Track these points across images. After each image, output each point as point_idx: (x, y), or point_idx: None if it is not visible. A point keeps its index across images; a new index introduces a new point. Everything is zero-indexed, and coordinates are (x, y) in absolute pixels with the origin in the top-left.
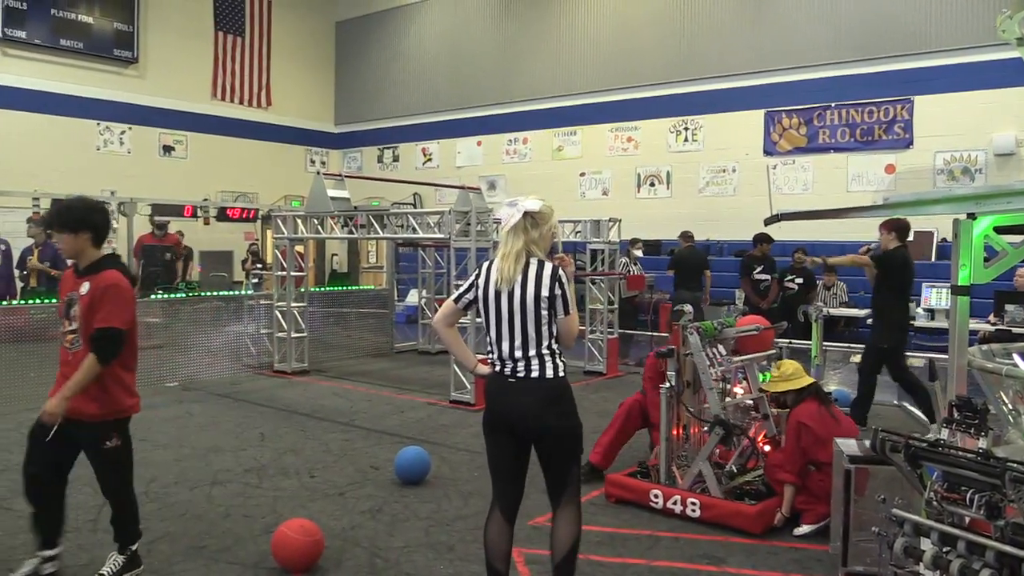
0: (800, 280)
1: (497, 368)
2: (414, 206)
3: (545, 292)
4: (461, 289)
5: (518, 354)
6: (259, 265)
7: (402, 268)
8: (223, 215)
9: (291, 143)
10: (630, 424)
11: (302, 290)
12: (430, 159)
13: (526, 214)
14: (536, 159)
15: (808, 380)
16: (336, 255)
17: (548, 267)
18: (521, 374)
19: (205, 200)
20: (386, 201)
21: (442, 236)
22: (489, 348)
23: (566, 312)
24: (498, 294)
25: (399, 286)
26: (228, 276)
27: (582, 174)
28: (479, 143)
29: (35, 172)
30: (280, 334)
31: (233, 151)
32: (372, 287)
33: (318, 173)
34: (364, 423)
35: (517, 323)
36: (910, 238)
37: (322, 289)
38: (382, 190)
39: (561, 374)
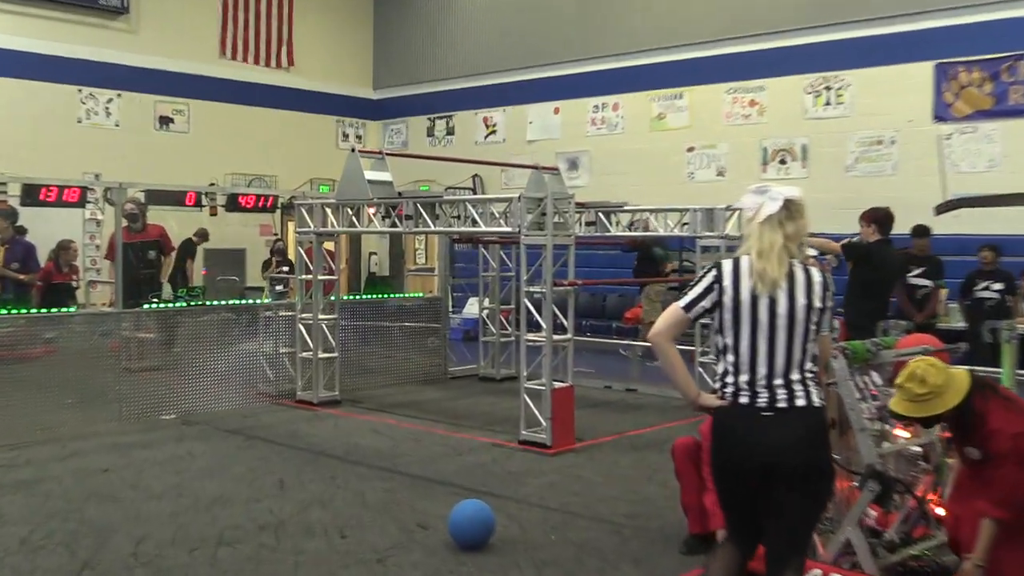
0: (999, 285)
1: (743, 400)
2: (473, 191)
3: (817, 303)
4: (693, 293)
5: (778, 380)
6: (285, 268)
7: (458, 271)
8: (234, 204)
9: (318, 113)
10: None
11: (332, 298)
12: (494, 131)
13: (785, 203)
14: (630, 130)
15: (962, 376)
16: (375, 254)
17: (816, 273)
18: (782, 404)
19: (212, 185)
20: (438, 185)
21: (509, 230)
22: (725, 371)
23: (828, 328)
24: (755, 301)
25: (455, 293)
26: (239, 280)
27: (690, 149)
28: (556, 110)
29: (1, 150)
30: (305, 354)
31: (246, 124)
32: (420, 294)
33: (352, 151)
34: (410, 468)
35: (781, 339)
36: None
37: (357, 297)
38: (433, 171)
39: (822, 402)
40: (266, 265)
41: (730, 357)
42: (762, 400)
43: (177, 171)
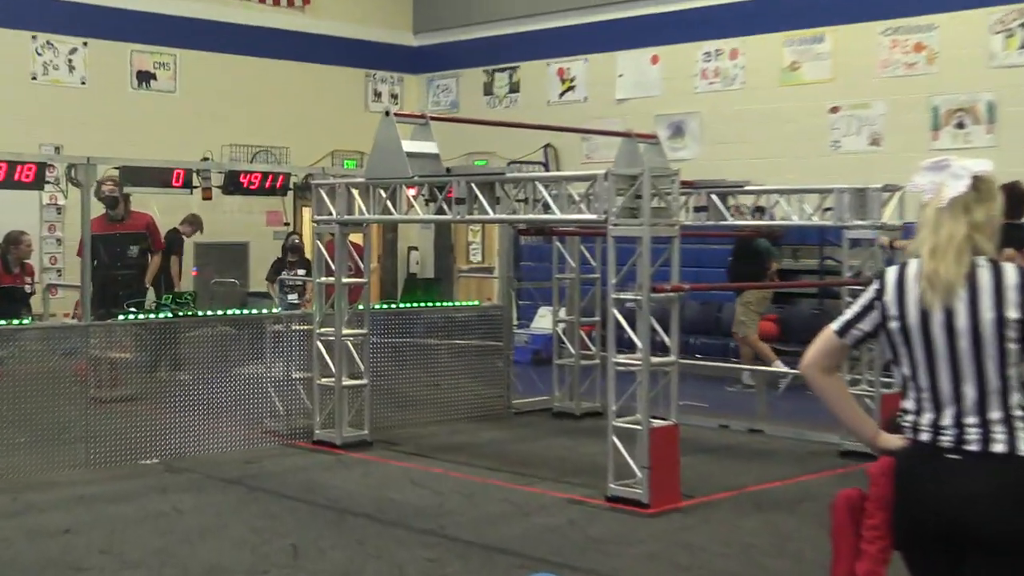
0: None
1: (924, 437)
2: (545, 167)
3: (1014, 313)
4: (850, 313)
5: (971, 418)
6: (300, 271)
7: (525, 272)
8: (234, 184)
9: (342, 65)
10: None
11: (359, 308)
12: (571, 87)
13: (974, 181)
14: (753, 85)
15: None
16: (416, 250)
17: (1011, 271)
18: (973, 446)
19: (205, 160)
20: (499, 159)
21: (593, 217)
22: (908, 408)
23: None
24: (925, 317)
25: (520, 301)
26: (240, 283)
27: (834, 110)
28: (654, 59)
29: None
30: (325, 381)
31: (249, 80)
32: (475, 302)
33: (387, 114)
34: (461, 532)
35: (967, 366)
36: None
37: (393, 306)
38: (493, 141)
39: None
40: (276, 265)
41: (911, 392)
42: (947, 439)
43: (160, 142)
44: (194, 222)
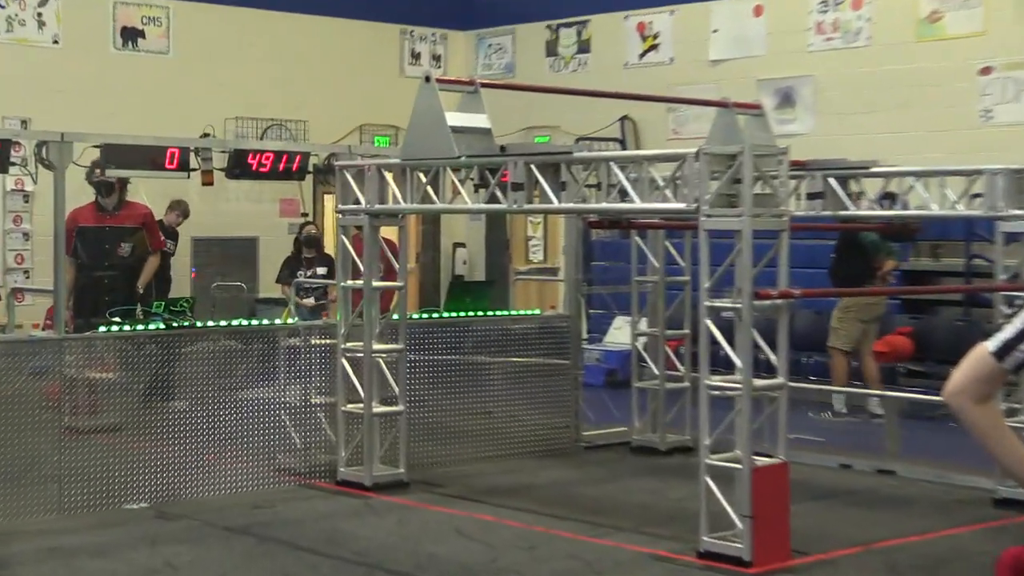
0: None
1: None
2: (622, 145)
3: None
4: (1012, 329)
5: None
6: (323, 269)
7: (598, 274)
8: (240, 166)
9: (372, 20)
10: None
11: (394, 318)
12: (654, 46)
13: None
14: (881, 42)
15: None
16: (463, 247)
17: None
18: None
19: (205, 136)
20: (564, 135)
21: (682, 206)
22: None
23: None
24: None
25: (592, 310)
26: (247, 288)
27: (985, 71)
28: (757, 10)
29: None
30: (351, 407)
31: (259, 39)
32: (536, 311)
33: (427, 80)
34: None
35: None
36: None
37: (435, 315)
38: (558, 112)
39: None
40: (289, 263)
41: None
42: None
43: (150, 115)
44: (178, 207)
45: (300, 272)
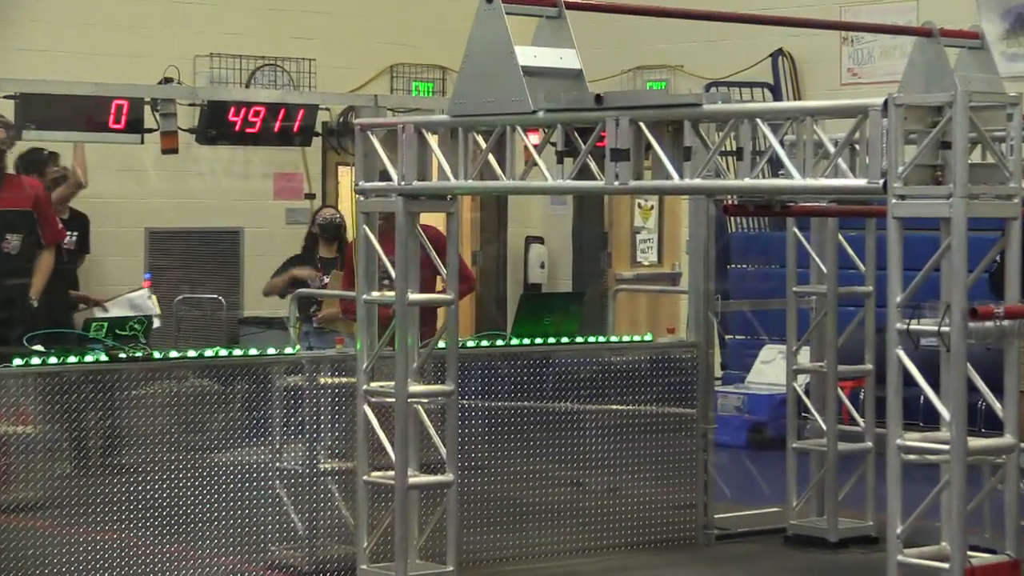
0: None
1: None
2: (774, 93)
3: None
4: None
5: None
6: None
7: (737, 281)
8: (217, 125)
9: None
10: None
11: (441, 346)
12: None
13: None
14: None
15: None
16: (541, 243)
17: None
18: None
19: (167, 82)
20: (688, 78)
21: (861, 183)
22: None
23: None
24: None
25: (729, 335)
26: (228, 300)
27: None
28: None
29: None
30: (377, 476)
31: None
32: (647, 337)
33: None
34: None
35: None
36: None
37: (499, 343)
38: (677, 46)
39: None
40: (290, 268)
41: None
42: None
43: (88, 53)
44: (65, 181)
45: (313, 280)
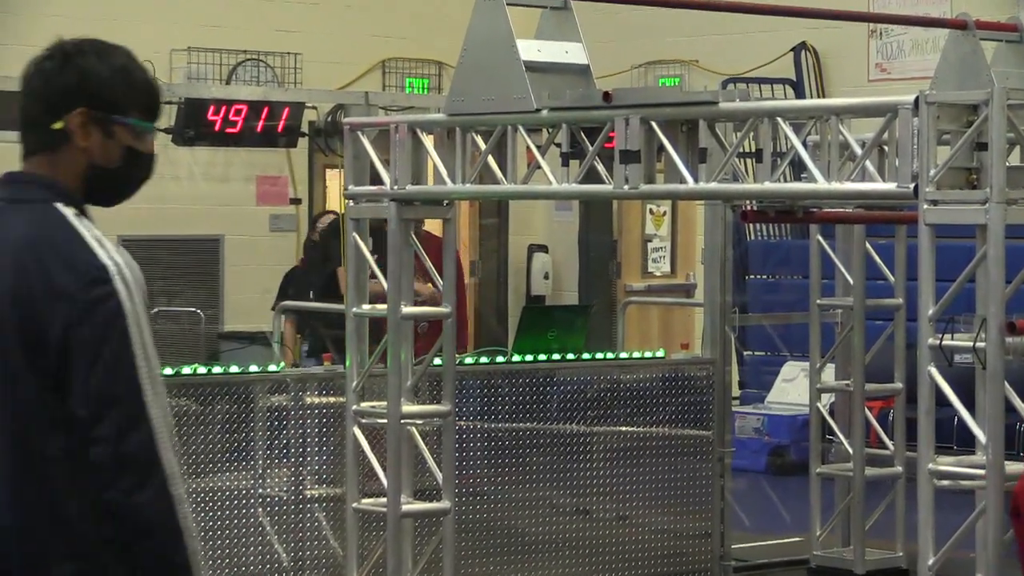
0: None
1: None
2: (797, 90)
3: None
4: None
5: None
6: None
7: (757, 293)
8: (195, 125)
9: None
10: None
11: (437, 363)
12: None
13: None
14: None
15: None
16: (545, 251)
17: None
18: None
19: None
20: (704, 73)
21: (890, 187)
22: None
23: None
24: None
25: (748, 351)
26: (207, 314)
27: None
28: None
29: None
30: (368, 503)
31: None
32: (660, 353)
33: None
34: None
35: None
36: None
37: (500, 360)
38: (691, 39)
39: None
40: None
41: None
42: None
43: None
44: None
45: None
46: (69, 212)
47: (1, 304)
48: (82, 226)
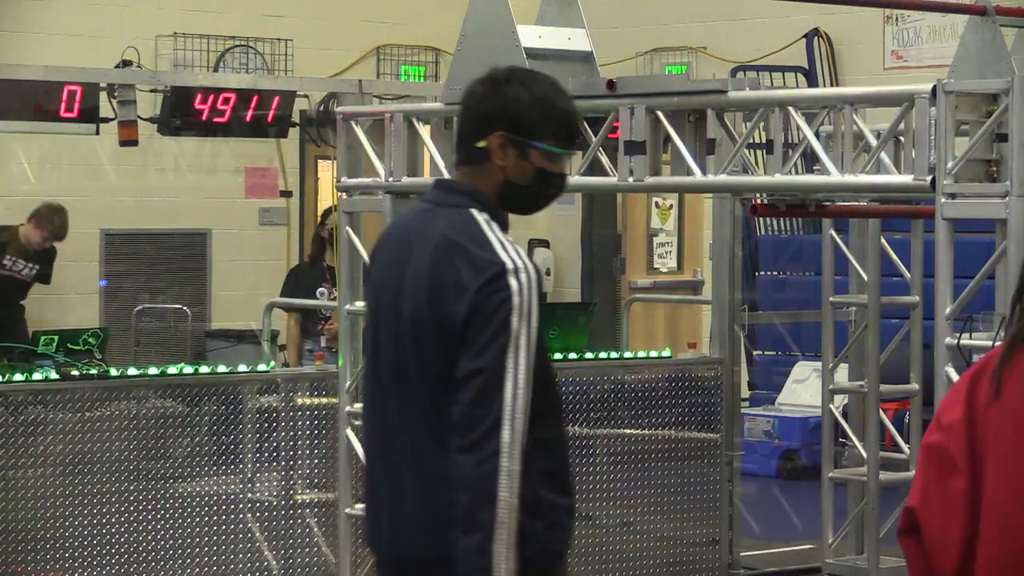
0: None
1: None
2: (809, 78)
3: None
4: None
5: None
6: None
7: (767, 291)
8: (181, 114)
9: None
10: None
11: None
12: None
13: None
14: None
15: None
16: (547, 246)
17: None
18: None
19: (125, 66)
20: (713, 61)
21: (907, 180)
22: None
23: None
24: None
25: (757, 351)
26: (194, 310)
27: None
28: None
29: None
30: (359, 508)
31: None
32: (666, 353)
33: None
34: None
35: None
36: None
37: None
38: (699, 26)
39: None
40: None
41: None
42: None
43: (31, 32)
44: (48, 220)
45: (323, 291)
46: (482, 217)
47: (422, 289)
48: (490, 230)
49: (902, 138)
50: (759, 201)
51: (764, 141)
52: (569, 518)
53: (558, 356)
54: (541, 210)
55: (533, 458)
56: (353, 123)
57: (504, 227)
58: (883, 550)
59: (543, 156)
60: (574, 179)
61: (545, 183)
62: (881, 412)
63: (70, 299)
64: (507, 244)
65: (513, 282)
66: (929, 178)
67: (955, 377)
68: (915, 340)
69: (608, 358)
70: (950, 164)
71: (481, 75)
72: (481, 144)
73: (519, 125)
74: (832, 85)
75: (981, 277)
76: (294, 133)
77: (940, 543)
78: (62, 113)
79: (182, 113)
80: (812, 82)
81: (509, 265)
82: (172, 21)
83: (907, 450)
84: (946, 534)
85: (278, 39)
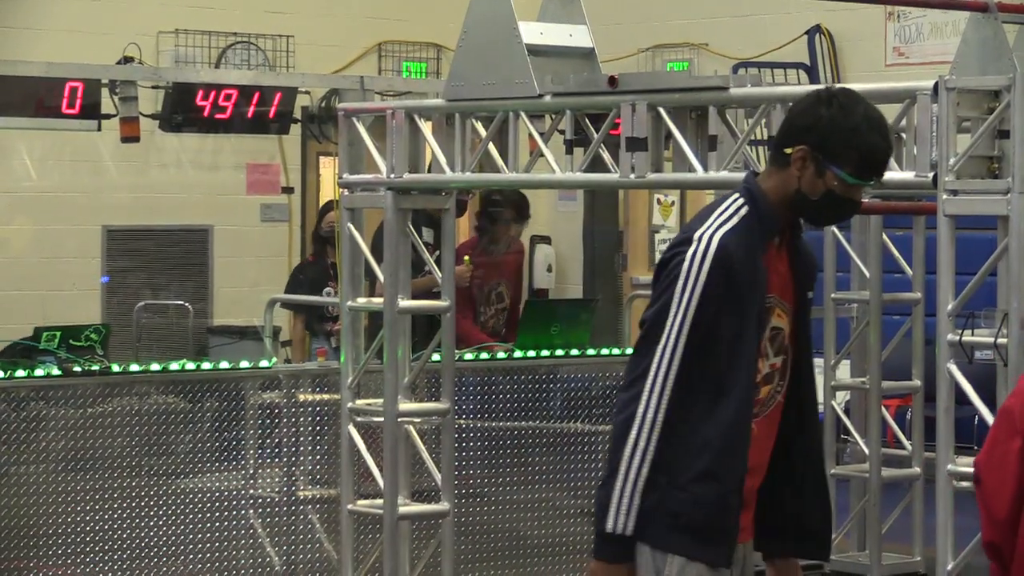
0: None
1: None
2: (811, 75)
3: None
4: None
5: None
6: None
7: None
8: (183, 110)
9: None
10: None
11: (435, 359)
12: None
13: None
14: None
15: None
16: (548, 243)
17: None
18: None
19: (127, 62)
20: (714, 58)
21: (908, 176)
22: None
23: None
24: None
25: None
26: (195, 307)
27: None
28: None
29: None
30: (363, 504)
31: None
32: None
33: None
34: None
35: None
36: None
37: (502, 355)
38: (701, 22)
39: None
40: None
41: None
42: None
43: (32, 28)
44: None
45: (329, 290)
46: (733, 204)
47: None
48: (723, 211)
49: (903, 134)
50: None
51: (766, 138)
52: (706, 489)
53: (560, 352)
54: (822, 226)
55: (697, 430)
56: (355, 119)
57: (774, 229)
58: (885, 546)
59: (838, 180)
60: (576, 175)
61: (831, 204)
62: (883, 409)
63: (72, 295)
64: (726, 222)
65: (688, 251)
66: (931, 174)
67: (957, 373)
68: (917, 336)
69: (610, 354)
70: (952, 161)
71: (817, 89)
72: (787, 151)
73: (823, 146)
74: (834, 82)
75: (983, 274)
76: (296, 129)
77: (995, 495)
78: (64, 109)
79: (184, 109)
80: (814, 79)
81: (695, 235)
82: (174, 17)
83: (909, 447)
84: (1001, 487)
85: (280, 35)
